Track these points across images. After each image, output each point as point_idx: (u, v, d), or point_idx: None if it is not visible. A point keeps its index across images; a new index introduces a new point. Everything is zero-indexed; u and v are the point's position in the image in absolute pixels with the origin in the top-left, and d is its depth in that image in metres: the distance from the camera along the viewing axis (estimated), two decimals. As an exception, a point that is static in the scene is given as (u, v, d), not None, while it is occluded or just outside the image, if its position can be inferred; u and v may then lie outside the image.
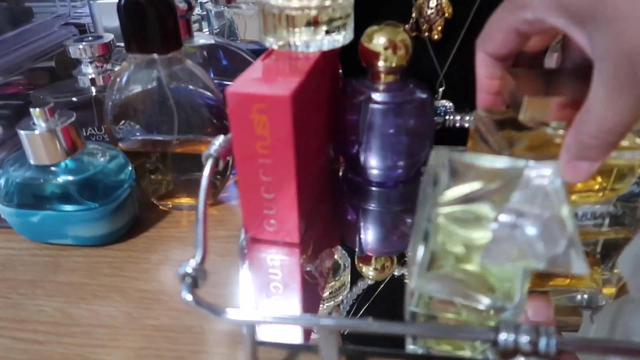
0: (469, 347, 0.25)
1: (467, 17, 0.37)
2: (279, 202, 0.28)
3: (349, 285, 0.33)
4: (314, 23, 0.28)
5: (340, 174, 0.40)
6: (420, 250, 0.24)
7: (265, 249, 0.30)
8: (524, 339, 0.19)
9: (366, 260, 0.34)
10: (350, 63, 0.34)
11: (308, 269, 0.30)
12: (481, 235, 0.23)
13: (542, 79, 0.29)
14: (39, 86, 0.42)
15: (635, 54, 0.21)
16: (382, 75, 0.33)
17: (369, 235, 0.36)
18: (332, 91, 0.35)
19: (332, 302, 0.32)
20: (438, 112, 0.39)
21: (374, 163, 0.34)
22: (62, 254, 0.35)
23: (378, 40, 0.31)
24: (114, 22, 0.50)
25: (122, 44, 0.33)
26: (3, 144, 0.38)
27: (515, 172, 0.23)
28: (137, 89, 0.35)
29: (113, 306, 0.30)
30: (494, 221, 0.21)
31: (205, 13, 0.53)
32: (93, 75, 0.40)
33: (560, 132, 0.29)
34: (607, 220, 0.33)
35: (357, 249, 0.34)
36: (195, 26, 0.43)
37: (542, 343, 0.19)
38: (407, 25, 0.32)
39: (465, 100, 0.37)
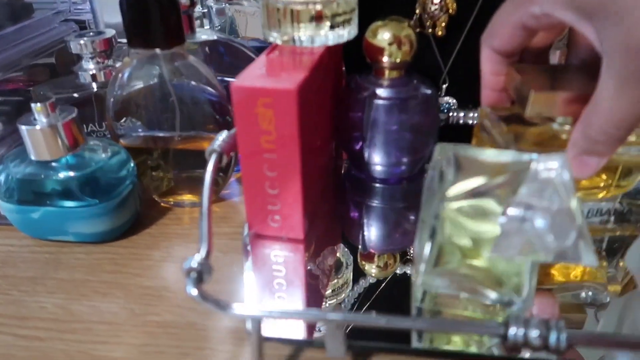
0: (476, 343, 0.25)
1: (471, 14, 0.37)
2: (284, 197, 0.28)
3: (351, 283, 0.33)
4: (318, 18, 0.28)
5: (343, 171, 0.40)
6: (427, 247, 0.24)
7: (269, 245, 0.30)
8: (534, 333, 0.19)
9: (369, 257, 0.34)
10: (354, 60, 0.34)
11: (310, 267, 0.30)
12: (489, 230, 0.22)
13: (548, 74, 0.29)
14: (39, 82, 0.41)
15: None
16: (387, 71, 0.32)
17: (372, 232, 0.35)
18: (335, 88, 0.35)
19: (335, 300, 0.32)
20: (442, 109, 0.39)
21: (377, 159, 0.34)
22: (62, 250, 0.34)
23: (382, 36, 0.31)
24: (115, 18, 0.50)
25: (124, 41, 0.33)
26: (3, 140, 0.38)
27: (521, 166, 0.23)
28: (139, 85, 0.35)
29: (115, 303, 0.30)
30: (502, 215, 0.21)
31: (206, 10, 0.53)
32: (94, 71, 0.39)
33: (567, 127, 0.29)
34: (612, 217, 0.33)
35: (359, 246, 0.34)
36: (196, 23, 0.42)
37: (553, 337, 0.19)
38: (410, 22, 0.32)
39: (469, 97, 0.37)
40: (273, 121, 0.25)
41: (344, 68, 0.38)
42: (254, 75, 0.26)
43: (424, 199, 0.26)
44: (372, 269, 0.34)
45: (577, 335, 0.19)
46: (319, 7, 0.27)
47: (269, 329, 0.25)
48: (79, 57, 0.40)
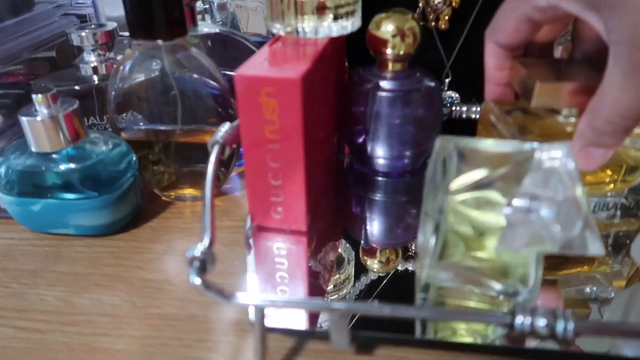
0: (480, 336, 0.25)
1: (475, 7, 0.37)
2: (287, 189, 0.28)
3: (353, 279, 0.33)
4: (321, 9, 0.27)
5: (345, 165, 0.40)
6: (432, 240, 0.23)
7: (272, 238, 0.30)
8: (541, 322, 0.19)
9: (371, 252, 0.34)
10: (357, 55, 0.34)
11: (312, 263, 0.30)
12: (493, 221, 0.22)
13: (553, 67, 0.29)
14: (39, 76, 0.41)
15: None
16: (390, 64, 0.32)
17: (374, 226, 0.35)
18: (338, 81, 0.34)
19: (336, 296, 0.32)
20: (444, 103, 0.39)
21: (380, 152, 0.34)
22: (63, 243, 0.34)
23: (386, 28, 0.31)
24: (116, 11, 0.50)
25: (125, 34, 0.33)
26: (3, 134, 0.38)
27: (525, 156, 0.23)
28: (140, 77, 0.35)
29: (116, 295, 0.29)
30: (507, 206, 0.21)
31: (207, 6, 0.53)
32: (95, 64, 0.39)
33: (572, 119, 0.29)
34: (619, 212, 0.32)
35: (362, 241, 0.34)
36: (198, 18, 0.42)
37: (560, 326, 0.19)
38: (414, 14, 0.32)
39: (471, 91, 0.36)
40: (277, 111, 0.25)
41: (346, 63, 0.38)
42: (257, 65, 0.25)
43: (426, 192, 0.26)
44: (374, 264, 0.34)
45: (584, 325, 0.19)
46: (322, -2, 0.27)
47: (272, 321, 0.25)
48: (79, 51, 0.40)
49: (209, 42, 0.41)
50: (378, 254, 0.34)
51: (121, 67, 0.35)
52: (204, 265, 0.21)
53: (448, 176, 0.23)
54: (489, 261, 0.23)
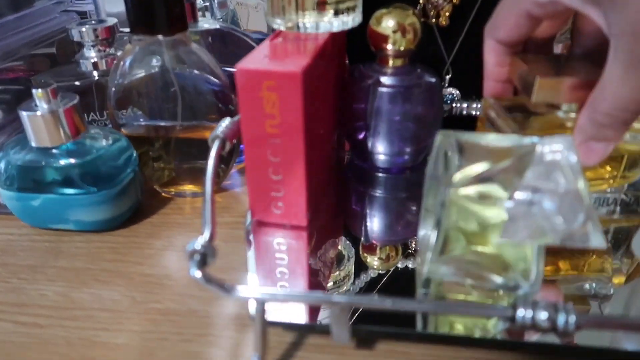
0: (480, 330, 0.25)
1: (475, 3, 0.37)
2: (287, 183, 0.28)
3: (353, 276, 0.32)
4: (322, 4, 0.27)
5: (345, 162, 0.40)
6: (433, 234, 0.23)
7: (272, 233, 0.30)
8: (543, 315, 0.19)
9: (371, 249, 0.34)
10: (358, 51, 0.34)
11: (311, 260, 0.29)
12: (495, 215, 0.22)
13: (553, 63, 0.29)
14: (39, 72, 0.41)
15: None
16: (391, 59, 0.32)
17: (374, 222, 0.35)
18: (338, 78, 0.34)
19: (336, 293, 0.32)
20: (445, 99, 0.39)
21: (381, 148, 0.34)
22: (62, 239, 0.34)
23: (387, 23, 0.31)
24: (117, 8, 0.50)
25: (125, 30, 0.33)
26: (3, 129, 0.38)
27: (526, 150, 0.23)
28: (140, 73, 0.35)
29: (116, 290, 0.29)
30: (509, 199, 0.21)
31: (208, 3, 0.53)
32: (95, 59, 0.39)
33: (572, 115, 0.29)
34: (618, 208, 0.32)
35: (362, 237, 0.34)
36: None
37: (561, 319, 0.19)
38: (415, 10, 0.32)
39: (472, 88, 0.36)
40: (277, 105, 0.25)
41: (347, 61, 0.38)
42: (258, 59, 0.25)
43: (426, 187, 0.26)
44: (374, 261, 0.34)
45: (585, 318, 0.19)
46: (323, -8, 0.27)
47: (272, 316, 0.25)
48: (79, 47, 0.40)
49: (209, 39, 0.40)
50: (378, 251, 0.34)
51: (121, 63, 0.35)
52: (204, 258, 0.21)
53: (450, 170, 0.23)
54: (490, 255, 0.23)
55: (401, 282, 0.29)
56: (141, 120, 0.36)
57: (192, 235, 0.34)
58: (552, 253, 0.23)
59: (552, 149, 0.21)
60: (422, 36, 0.32)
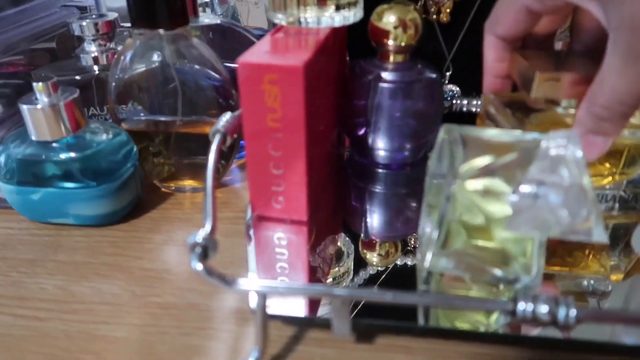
0: (481, 325, 0.25)
1: (476, 0, 0.37)
2: (288, 178, 0.28)
3: (352, 272, 0.33)
4: (323, -1, 0.27)
5: (345, 158, 0.40)
6: (436, 228, 0.23)
7: (272, 228, 0.30)
8: (543, 308, 0.19)
9: (370, 246, 0.34)
10: (359, 47, 0.34)
11: (311, 257, 0.29)
12: (498, 209, 0.22)
13: (552, 59, 0.29)
14: (39, 66, 0.41)
15: None
16: (392, 55, 0.32)
17: (374, 219, 0.35)
18: (339, 73, 0.34)
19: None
20: (445, 96, 0.39)
21: (381, 144, 0.34)
22: (62, 233, 0.34)
23: (388, 19, 0.31)
24: (117, 2, 0.50)
25: (126, 25, 0.33)
26: (3, 123, 0.37)
27: (530, 145, 0.23)
28: (141, 68, 0.35)
29: (116, 284, 0.29)
30: (514, 193, 0.21)
31: (208, 0, 0.53)
32: (96, 54, 0.39)
33: (572, 111, 0.29)
34: (617, 205, 0.32)
35: (362, 234, 0.34)
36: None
37: (562, 313, 0.19)
38: (416, 5, 0.32)
39: (472, 85, 0.36)
40: (279, 98, 0.25)
41: (347, 58, 0.38)
42: (260, 53, 0.25)
43: (428, 181, 0.26)
44: (373, 258, 0.34)
45: (585, 312, 0.19)
46: (325, -13, 0.27)
47: (273, 310, 0.25)
48: (80, 42, 0.40)
49: (210, 34, 0.40)
50: (377, 247, 0.34)
51: (122, 57, 0.35)
52: (205, 251, 0.21)
53: (454, 164, 0.23)
54: (491, 249, 0.23)
55: (400, 279, 0.29)
56: (141, 115, 0.36)
57: (192, 230, 0.34)
58: (550, 249, 0.23)
59: (557, 143, 0.22)
60: (423, 32, 0.32)
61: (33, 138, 0.32)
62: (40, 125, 0.31)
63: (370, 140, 0.34)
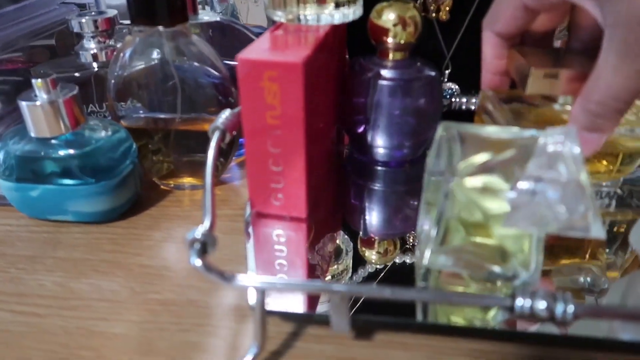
0: (479, 321, 0.25)
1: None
2: (287, 175, 0.28)
3: (351, 270, 0.33)
4: (322, -3, 0.28)
5: (344, 156, 0.40)
6: (434, 225, 0.23)
7: (271, 225, 0.30)
8: (541, 304, 0.19)
9: (369, 244, 0.34)
10: (358, 45, 0.34)
11: (310, 254, 0.30)
12: (496, 206, 0.22)
13: (549, 56, 0.29)
14: (38, 64, 0.41)
15: None
16: (391, 53, 0.32)
17: (373, 216, 0.35)
18: (339, 71, 0.34)
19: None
20: (444, 94, 0.39)
21: (380, 142, 0.34)
22: (61, 230, 0.34)
23: (387, 16, 0.31)
24: (116, 0, 0.50)
25: (126, 22, 0.33)
26: (2, 120, 0.37)
27: (527, 142, 0.23)
28: (140, 65, 0.35)
29: (115, 281, 0.29)
30: (512, 189, 0.21)
31: (207, -3, 0.53)
32: (95, 51, 0.39)
33: (568, 108, 0.29)
34: (614, 202, 0.33)
35: (360, 231, 0.34)
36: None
37: (560, 309, 0.19)
38: (415, 3, 0.32)
39: (471, 83, 0.37)
40: (278, 95, 0.25)
41: (347, 55, 0.38)
42: (259, 49, 0.25)
43: (426, 178, 0.26)
44: (372, 255, 0.34)
45: (583, 307, 0.19)
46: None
47: (271, 306, 0.25)
48: (79, 39, 0.40)
49: (210, 31, 0.40)
50: (376, 245, 0.34)
51: (121, 55, 0.35)
52: (204, 247, 0.21)
53: (452, 160, 0.23)
54: (489, 246, 0.24)
55: (399, 277, 0.29)
56: (140, 112, 0.36)
57: (191, 227, 0.34)
58: (547, 246, 0.24)
59: (555, 140, 0.22)
60: (423, 29, 0.32)
61: (32, 135, 0.32)
62: (39, 122, 0.31)
63: (369, 138, 0.34)
